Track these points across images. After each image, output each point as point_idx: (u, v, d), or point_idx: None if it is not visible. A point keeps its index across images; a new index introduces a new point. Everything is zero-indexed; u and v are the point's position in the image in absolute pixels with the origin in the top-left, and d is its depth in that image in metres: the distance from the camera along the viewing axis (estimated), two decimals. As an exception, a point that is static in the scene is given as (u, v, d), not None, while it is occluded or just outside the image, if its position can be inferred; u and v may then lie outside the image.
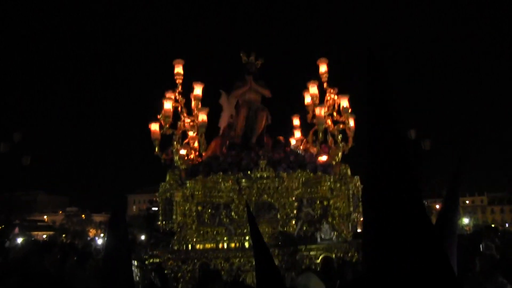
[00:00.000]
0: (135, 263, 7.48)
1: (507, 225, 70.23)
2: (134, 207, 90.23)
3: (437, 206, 76.29)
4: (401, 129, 1.77)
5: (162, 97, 8.33)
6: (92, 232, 69.61)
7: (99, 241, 35.73)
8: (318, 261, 7.34)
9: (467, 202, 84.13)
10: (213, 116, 9.52)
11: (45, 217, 79.22)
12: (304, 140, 10.06)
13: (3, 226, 34.27)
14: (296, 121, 10.72)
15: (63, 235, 55.88)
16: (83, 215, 76.89)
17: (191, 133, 8.98)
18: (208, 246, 7.70)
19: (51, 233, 59.82)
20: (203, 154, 9.36)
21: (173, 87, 8.51)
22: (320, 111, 8.38)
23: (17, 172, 20.12)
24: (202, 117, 8.18)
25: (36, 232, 54.62)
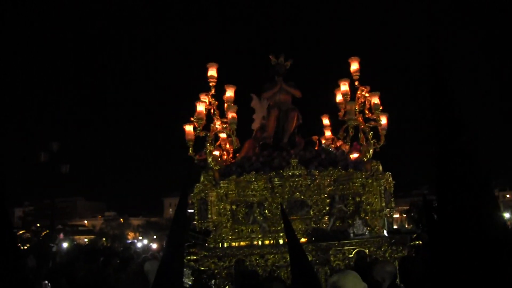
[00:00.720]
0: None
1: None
2: (170, 210, 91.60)
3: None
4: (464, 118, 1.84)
5: (195, 99, 8.59)
6: (130, 235, 71.10)
7: (139, 244, 36.52)
8: (352, 256, 7.45)
9: (508, 196, 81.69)
10: (244, 117, 9.75)
11: (85, 222, 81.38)
12: (335, 138, 10.16)
13: (47, 231, 35.59)
14: (325, 121, 10.81)
15: (103, 239, 57.36)
16: (121, 219, 78.63)
17: (223, 135, 9.23)
18: (243, 243, 7.92)
19: (91, 237, 61.58)
20: (237, 155, 9.61)
21: (206, 90, 8.76)
22: (352, 107, 8.49)
23: (57, 180, 20.87)
24: (232, 114, 8.41)
25: (77, 236, 56.41)
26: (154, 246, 25.75)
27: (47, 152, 19.63)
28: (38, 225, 45.57)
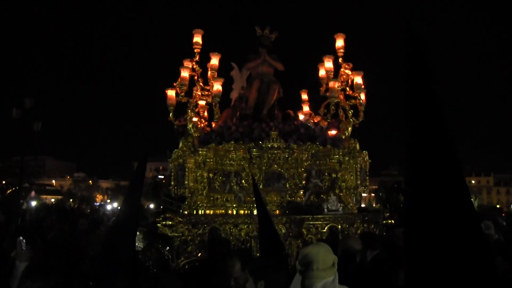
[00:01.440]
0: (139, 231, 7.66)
1: (512, 206, 70.91)
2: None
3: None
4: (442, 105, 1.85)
5: (178, 65, 8.47)
6: (99, 197, 70.75)
7: (108, 207, 36.33)
8: (324, 230, 7.59)
9: (473, 182, 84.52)
10: (226, 88, 9.69)
11: (53, 181, 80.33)
12: (312, 114, 10.22)
13: (14, 188, 35.09)
14: (304, 96, 10.85)
15: (71, 200, 56.89)
16: (90, 181, 77.96)
17: (202, 102, 9.15)
18: (218, 212, 7.96)
19: (59, 197, 60.95)
20: (212, 123, 9.58)
21: (191, 56, 8.63)
22: (334, 85, 8.51)
23: (27, 137, 20.36)
24: (217, 86, 8.33)
25: (44, 196, 55.68)
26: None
27: (19, 108, 19.11)
28: (4, 182, 44.87)
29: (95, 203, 54.53)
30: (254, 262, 4.28)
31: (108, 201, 59.82)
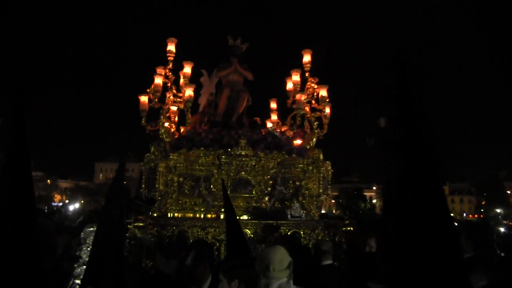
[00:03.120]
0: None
1: (464, 215, 73.76)
2: (101, 175, 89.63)
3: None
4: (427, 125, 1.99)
5: (149, 71, 8.73)
6: (57, 197, 69.02)
7: (71, 207, 35.65)
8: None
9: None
10: (195, 94, 9.96)
11: (9, 179, 77.64)
12: (280, 123, 10.63)
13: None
14: (273, 104, 11.23)
15: (28, 199, 55.22)
16: (48, 180, 75.91)
17: (173, 108, 9.40)
18: (186, 215, 8.26)
19: (15, 196, 59.04)
20: (181, 128, 9.85)
21: (164, 64, 8.90)
22: (300, 97, 8.95)
23: (-20, 132, 19.82)
24: (189, 92, 8.62)
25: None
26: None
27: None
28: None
29: (53, 203, 53.29)
30: (224, 263, 4.45)
31: (67, 201, 58.52)
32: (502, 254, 5.09)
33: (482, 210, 65.88)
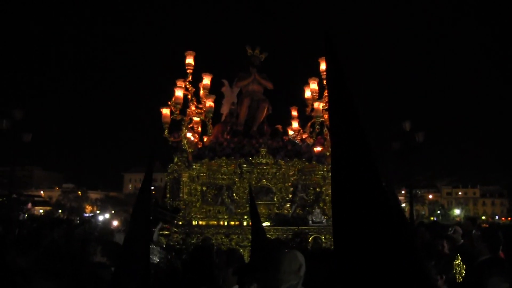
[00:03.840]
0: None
1: (497, 217, 72.32)
2: (130, 185, 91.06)
3: (430, 196, 77.91)
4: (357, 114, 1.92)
5: (170, 84, 9.04)
6: (88, 208, 70.40)
7: (100, 218, 36.40)
8: (310, 241, 8.13)
9: (460, 193, 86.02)
10: (217, 104, 10.24)
11: (41, 192, 79.71)
12: (301, 130, 10.79)
13: (4, 199, 35.14)
14: (294, 112, 11.40)
15: (60, 211, 56.65)
16: (79, 192, 77.46)
17: (196, 118, 9.68)
18: (210, 222, 8.50)
19: (47, 208, 60.61)
20: (204, 137, 10.12)
21: (183, 76, 9.18)
22: (319, 105, 9.10)
23: (17, 148, 20.58)
24: (209, 103, 8.90)
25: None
26: (115, 223, 25.90)
27: (9, 119, 19.39)
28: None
29: (84, 214, 54.37)
30: (243, 267, 4.56)
31: (98, 212, 59.65)
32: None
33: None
